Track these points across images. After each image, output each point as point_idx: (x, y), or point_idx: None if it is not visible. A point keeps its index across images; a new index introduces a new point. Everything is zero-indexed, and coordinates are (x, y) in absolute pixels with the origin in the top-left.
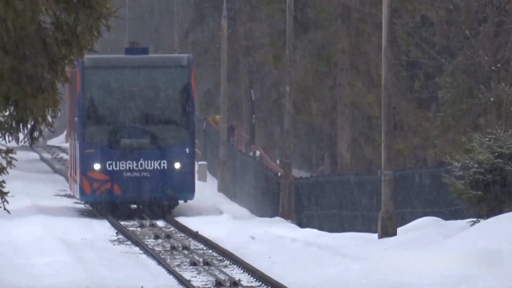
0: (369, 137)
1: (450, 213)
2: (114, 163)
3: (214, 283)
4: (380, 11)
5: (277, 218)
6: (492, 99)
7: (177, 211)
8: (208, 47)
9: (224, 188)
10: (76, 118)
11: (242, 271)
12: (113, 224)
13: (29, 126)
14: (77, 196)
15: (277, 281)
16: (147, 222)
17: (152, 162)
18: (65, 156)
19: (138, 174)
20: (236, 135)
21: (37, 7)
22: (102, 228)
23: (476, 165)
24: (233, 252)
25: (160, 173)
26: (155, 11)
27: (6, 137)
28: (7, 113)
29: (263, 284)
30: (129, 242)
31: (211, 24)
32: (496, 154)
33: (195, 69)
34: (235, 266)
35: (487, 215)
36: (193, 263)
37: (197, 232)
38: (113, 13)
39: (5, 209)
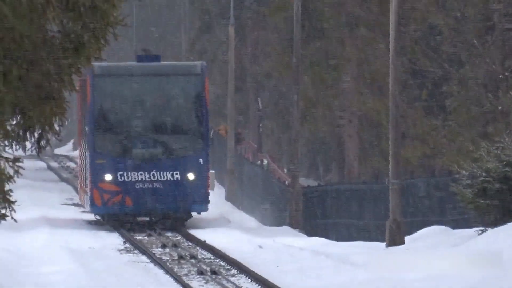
0: (376, 146)
1: (458, 222)
2: (125, 174)
3: None
4: (387, 19)
5: (285, 227)
6: (500, 107)
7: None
8: (216, 56)
9: (232, 197)
10: (86, 128)
11: (249, 280)
12: (120, 233)
13: (36, 134)
14: (88, 208)
15: None
16: (153, 231)
17: (165, 173)
18: (72, 164)
19: (150, 186)
20: (243, 143)
21: (44, 16)
22: (110, 237)
23: (484, 174)
24: (240, 261)
25: (173, 185)
26: (163, 19)
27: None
28: (14, 121)
29: None
30: (136, 251)
31: (218, 32)
32: (504, 162)
33: None
34: (243, 275)
35: (495, 224)
36: (201, 272)
37: (204, 241)
38: (121, 22)
39: (12, 218)
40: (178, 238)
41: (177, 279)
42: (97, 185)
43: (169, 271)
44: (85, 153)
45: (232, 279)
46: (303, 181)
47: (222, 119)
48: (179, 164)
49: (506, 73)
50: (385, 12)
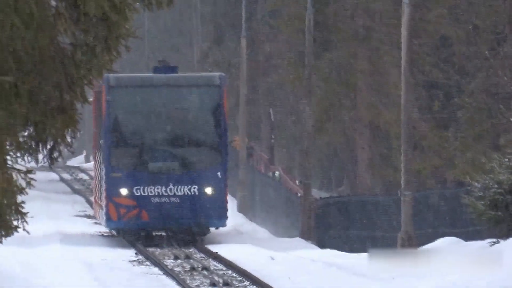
0: (388, 157)
1: (470, 234)
2: (142, 188)
3: None
4: (399, 31)
5: (297, 239)
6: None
7: None
8: (228, 67)
9: (244, 209)
10: (101, 140)
11: None
12: (132, 245)
13: (48, 146)
14: (103, 222)
15: None
16: (164, 243)
17: (182, 187)
18: (84, 176)
19: (167, 200)
20: (255, 156)
21: (56, 28)
22: (122, 249)
23: (496, 186)
24: (252, 273)
25: (191, 199)
26: (175, 31)
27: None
28: (26, 133)
29: None
30: (148, 263)
31: (230, 44)
32: None
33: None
34: (255, 286)
35: (507, 236)
36: (213, 284)
37: (216, 252)
38: (132, 34)
39: (24, 229)
40: (190, 250)
41: None
42: (112, 199)
43: (181, 283)
44: (100, 167)
45: None
46: (315, 193)
47: (234, 130)
48: (197, 178)
49: None
50: (396, 24)
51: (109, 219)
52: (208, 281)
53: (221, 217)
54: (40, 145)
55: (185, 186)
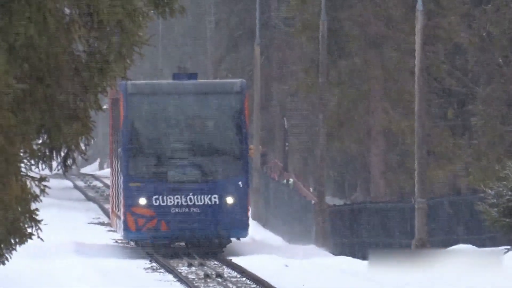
0: (402, 165)
1: (484, 241)
2: (161, 198)
3: None
4: (413, 38)
5: (311, 246)
6: None
7: None
8: (241, 75)
9: (258, 216)
10: (119, 149)
11: None
12: (146, 252)
13: (62, 154)
14: (121, 233)
15: None
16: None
17: (203, 196)
18: (98, 184)
19: (187, 210)
20: (269, 163)
21: (70, 35)
22: (136, 256)
23: (509, 193)
24: (266, 280)
25: (211, 209)
26: (188, 38)
27: (39, 165)
28: (40, 141)
29: None
30: (162, 270)
31: (244, 51)
32: None
33: None
34: None
35: None
36: None
37: (230, 259)
38: (146, 41)
39: (38, 236)
40: (204, 257)
41: None
42: (130, 210)
43: None
44: (117, 176)
45: None
46: (329, 200)
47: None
48: (218, 187)
49: None
50: (410, 31)
51: (127, 229)
52: None
53: (243, 228)
54: (54, 152)
55: (206, 196)
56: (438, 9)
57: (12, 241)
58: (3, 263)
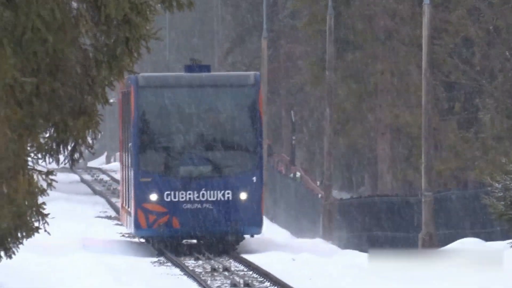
0: (409, 158)
1: (491, 234)
2: (172, 193)
3: None
4: (420, 32)
5: (318, 240)
6: None
7: None
8: (248, 68)
9: (264, 210)
10: (129, 143)
11: None
12: (153, 246)
13: (69, 147)
14: (131, 230)
15: None
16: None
17: (215, 192)
18: (105, 177)
19: (199, 206)
20: (275, 156)
21: (77, 29)
22: (143, 250)
23: None
24: (273, 274)
25: (224, 205)
26: (195, 31)
27: (47, 159)
28: (47, 134)
29: None
30: (169, 264)
31: (251, 45)
32: None
33: None
34: (276, 287)
35: None
36: (234, 285)
37: (237, 253)
38: (153, 35)
39: (45, 230)
40: (210, 251)
41: None
42: (141, 206)
43: (202, 284)
44: (128, 171)
45: None
46: (336, 194)
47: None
48: (231, 183)
49: None
50: (417, 25)
51: (138, 226)
52: (229, 282)
53: (257, 224)
54: (61, 146)
55: (219, 192)
56: (445, 3)
57: (19, 234)
58: (10, 257)
